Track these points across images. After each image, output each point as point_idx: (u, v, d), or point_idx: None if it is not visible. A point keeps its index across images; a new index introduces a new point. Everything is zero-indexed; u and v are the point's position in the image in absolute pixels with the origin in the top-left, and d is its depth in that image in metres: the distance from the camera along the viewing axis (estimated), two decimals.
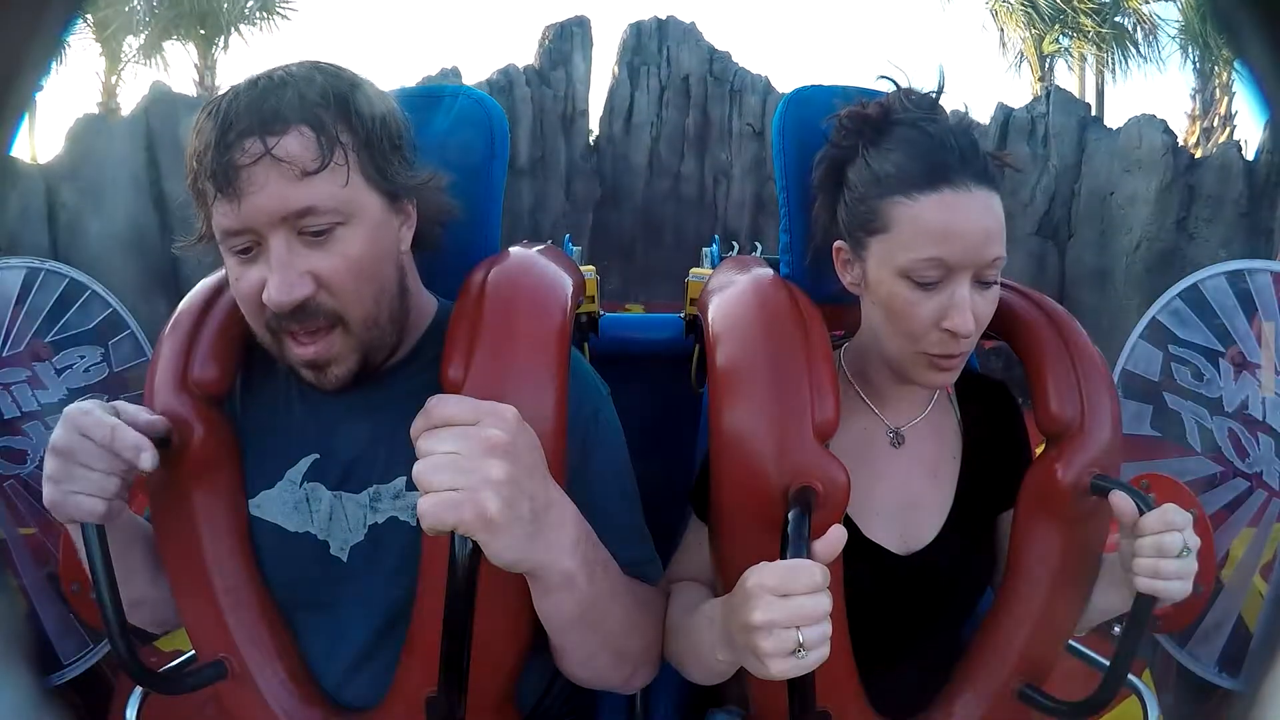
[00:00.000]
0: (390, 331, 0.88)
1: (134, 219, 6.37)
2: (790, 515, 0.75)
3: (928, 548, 0.97)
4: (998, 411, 1.04)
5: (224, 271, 0.95)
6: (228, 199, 0.78)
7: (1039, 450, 1.00)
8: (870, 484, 0.94)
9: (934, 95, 0.93)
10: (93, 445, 0.76)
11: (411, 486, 0.79)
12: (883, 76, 0.96)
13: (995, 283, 0.89)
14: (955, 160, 0.86)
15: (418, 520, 0.68)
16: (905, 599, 0.96)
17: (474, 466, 0.66)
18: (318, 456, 0.91)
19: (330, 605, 0.91)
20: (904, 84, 0.95)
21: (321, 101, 0.80)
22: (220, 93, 0.82)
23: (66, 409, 0.78)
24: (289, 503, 0.91)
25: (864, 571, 0.90)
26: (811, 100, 1.09)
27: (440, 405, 0.69)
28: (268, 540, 0.91)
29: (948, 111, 0.93)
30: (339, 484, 0.90)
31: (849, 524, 0.87)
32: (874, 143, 0.91)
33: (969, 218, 0.85)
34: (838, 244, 0.95)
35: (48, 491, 0.77)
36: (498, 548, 0.68)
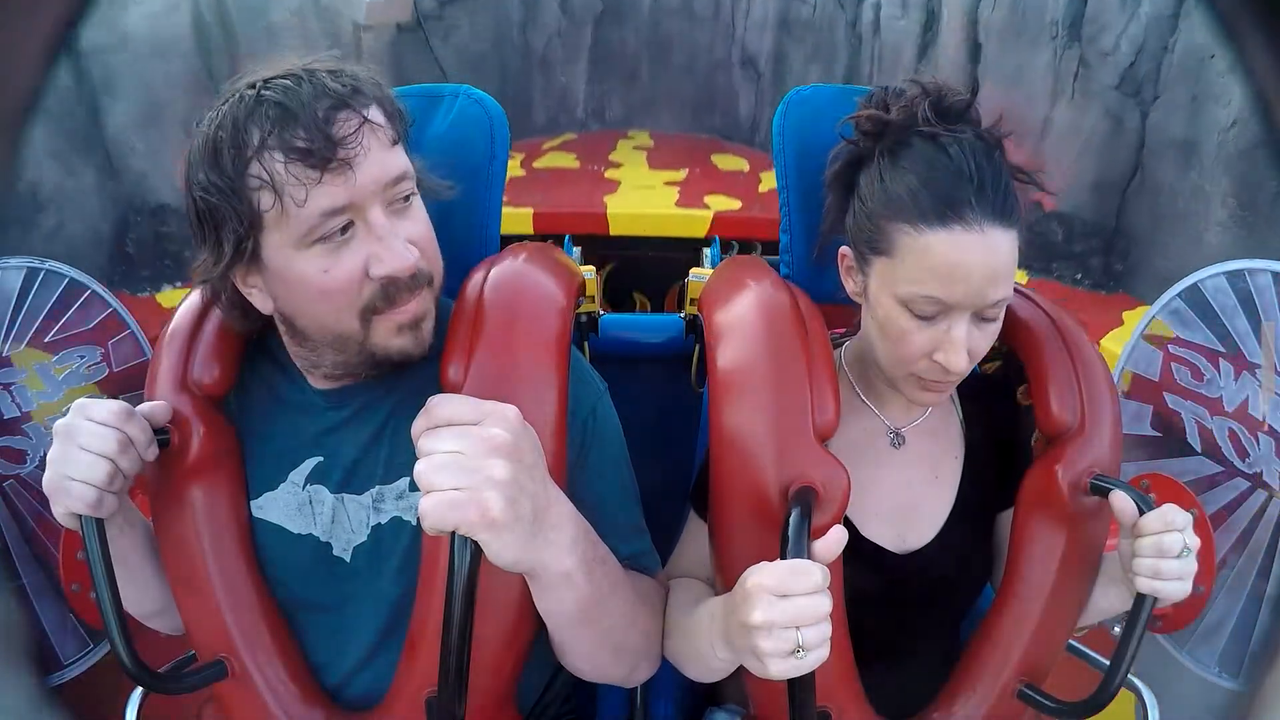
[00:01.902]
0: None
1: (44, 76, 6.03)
2: (790, 515, 0.75)
3: (927, 547, 0.97)
4: (999, 409, 1.04)
5: None
6: (337, 173, 0.75)
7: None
8: (869, 484, 0.94)
9: (963, 104, 0.88)
10: (90, 425, 0.77)
11: (415, 486, 0.79)
12: (912, 81, 0.91)
13: (997, 318, 0.87)
14: (972, 194, 0.81)
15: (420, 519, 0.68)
16: (903, 597, 0.96)
17: (477, 466, 0.66)
18: (321, 459, 0.91)
19: (334, 606, 0.91)
20: (933, 88, 0.88)
21: (377, 84, 0.83)
22: (233, 99, 0.78)
23: (75, 401, 0.80)
24: (292, 505, 0.91)
25: (861, 571, 0.90)
26: (811, 100, 1.09)
27: (442, 405, 0.69)
28: (271, 541, 0.91)
29: (980, 113, 0.88)
30: (341, 486, 0.91)
31: (846, 524, 0.87)
32: (891, 152, 0.87)
33: (975, 261, 0.82)
34: (843, 249, 0.94)
35: (46, 477, 0.78)
36: (498, 547, 0.68)
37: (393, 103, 0.84)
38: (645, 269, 2.50)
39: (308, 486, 0.91)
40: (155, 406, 0.85)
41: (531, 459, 0.71)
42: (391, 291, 0.80)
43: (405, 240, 0.81)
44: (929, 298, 0.83)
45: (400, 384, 0.91)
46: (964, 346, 0.84)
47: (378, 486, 0.90)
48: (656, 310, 2.52)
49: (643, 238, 2.43)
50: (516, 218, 2.37)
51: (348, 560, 0.90)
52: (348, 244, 0.79)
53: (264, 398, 0.95)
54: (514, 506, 0.67)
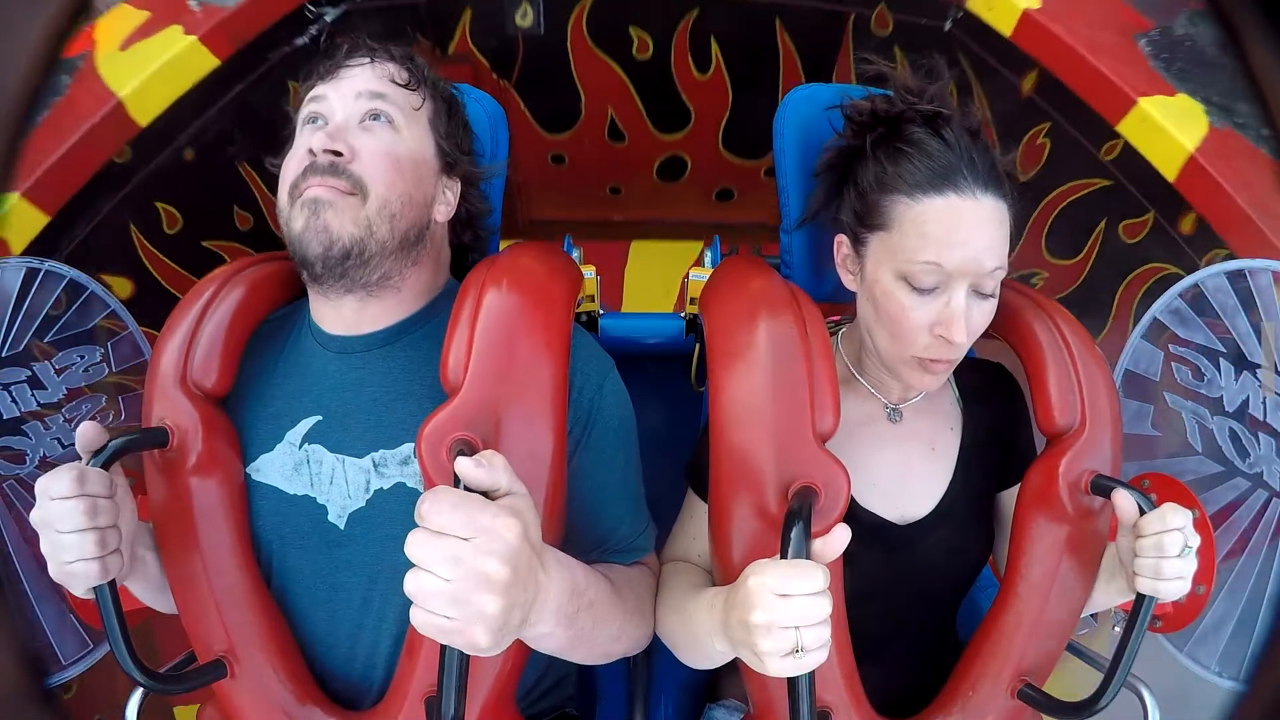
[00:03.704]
0: (395, 247, 0.91)
1: None
2: (790, 515, 0.75)
3: (925, 518, 0.97)
4: (995, 389, 1.05)
5: (222, 275, 0.96)
6: (323, 81, 0.95)
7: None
8: (868, 457, 0.95)
9: (940, 89, 0.91)
10: (56, 505, 0.76)
11: None
12: (889, 65, 0.95)
13: (993, 295, 0.88)
14: (965, 164, 0.85)
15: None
16: (902, 569, 0.97)
17: (468, 599, 0.63)
18: (320, 418, 0.92)
19: (326, 574, 0.91)
20: (915, 82, 0.93)
21: (424, 68, 1.00)
22: None
23: (37, 482, 0.78)
24: (288, 465, 0.92)
25: (860, 542, 0.90)
26: (812, 100, 1.09)
27: (435, 510, 0.64)
28: (266, 504, 0.92)
29: (955, 104, 0.91)
30: (340, 447, 0.91)
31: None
32: (885, 140, 0.91)
33: (972, 226, 0.84)
34: (839, 237, 0.96)
35: (50, 570, 0.78)
36: (487, 652, 0.67)
37: (427, 76, 1.00)
38: None
39: (305, 446, 0.92)
40: (85, 432, 0.81)
41: (527, 567, 0.67)
42: (309, 169, 0.89)
43: (350, 145, 0.89)
44: (929, 264, 0.85)
45: (406, 349, 0.93)
46: (963, 317, 0.85)
47: (381, 451, 0.90)
48: (661, 53, 2.05)
49: None
50: None
51: (341, 528, 0.90)
52: (316, 132, 0.91)
53: (265, 364, 0.97)
54: (501, 633, 0.65)
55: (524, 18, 1.90)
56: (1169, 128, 1.42)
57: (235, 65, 1.52)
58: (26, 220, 1.35)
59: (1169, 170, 1.44)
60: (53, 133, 1.40)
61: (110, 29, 1.52)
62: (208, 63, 1.50)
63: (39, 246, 1.36)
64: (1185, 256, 1.46)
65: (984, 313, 0.88)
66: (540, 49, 1.99)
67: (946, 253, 0.84)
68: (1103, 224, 1.63)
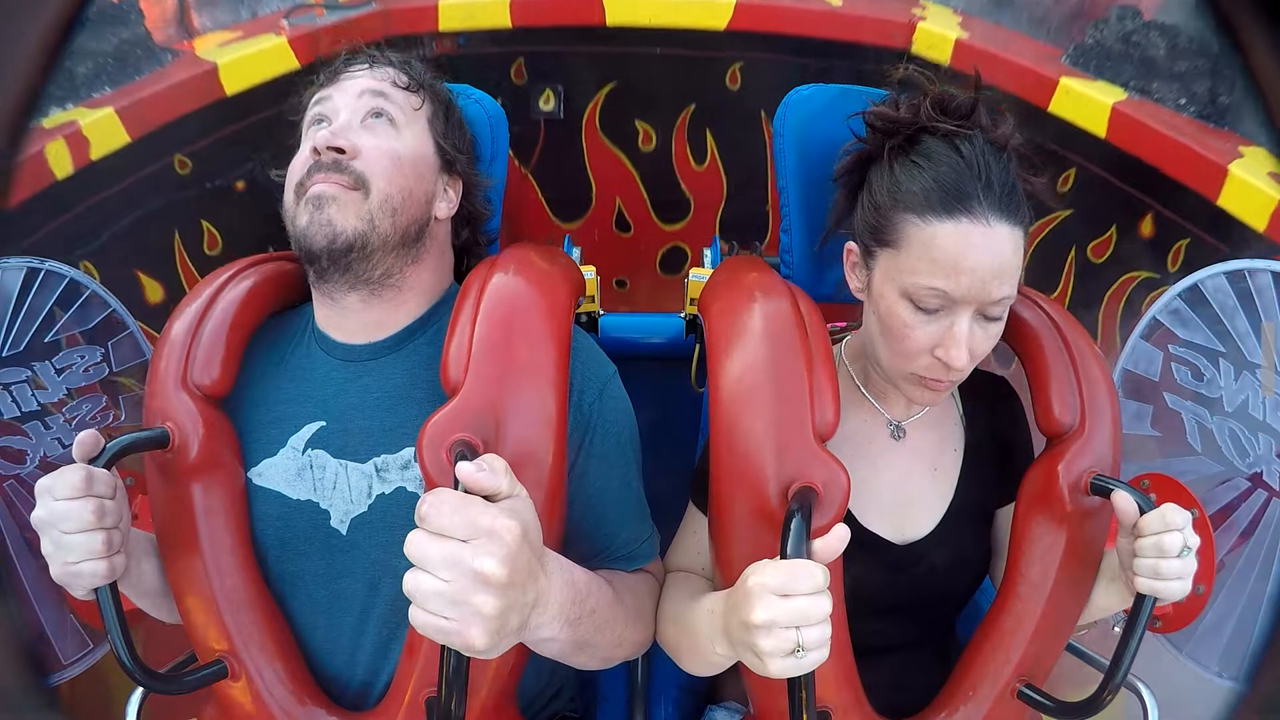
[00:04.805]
0: (397, 242, 0.93)
1: None
2: (790, 515, 0.75)
3: (925, 539, 0.97)
4: (999, 405, 1.04)
5: (223, 275, 0.97)
6: (327, 85, 0.99)
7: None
8: (870, 475, 0.95)
9: (968, 104, 0.88)
10: (62, 506, 0.77)
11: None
12: (918, 73, 0.92)
13: (1000, 319, 0.86)
14: (981, 189, 0.82)
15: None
16: (901, 589, 0.96)
17: (464, 599, 0.63)
18: (323, 424, 0.92)
19: (328, 579, 0.91)
20: (942, 90, 0.89)
21: (421, 71, 1.04)
22: None
23: (38, 482, 0.78)
24: (291, 470, 0.92)
25: (861, 561, 0.90)
26: (811, 100, 1.09)
27: (435, 511, 0.64)
28: (269, 509, 0.92)
29: (988, 117, 0.88)
30: (343, 452, 0.91)
31: (847, 515, 0.87)
32: (902, 150, 0.88)
33: (981, 254, 0.82)
34: (849, 245, 0.94)
35: (54, 573, 0.79)
36: (484, 655, 0.67)
37: (425, 80, 1.03)
38: (649, 90, 2.19)
39: (308, 451, 0.92)
40: (84, 440, 0.81)
41: (526, 569, 0.67)
42: (313, 167, 0.91)
43: (353, 142, 0.92)
44: (933, 289, 0.83)
45: (408, 355, 0.94)
46: (965, 342, 0.84)
47: (382, 455, 0.91)
48: (663, 145, 2.24)
49: (648, 31, 2.04)
50: (486, 7, 2.00)
51: (344, 534, 0.91)
52: (320, 132, 0.94)
53: (267, 366, 0.97)
54: (498, 634, 0.65)
55: (546, 103, 2.17)
56: (1091, 94, 1.63)
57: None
58: (111, 131, 1.52)
59: (1098, 127, 1.61)
60: (150, 82, 1.63)
61: (207, 40, 1.83)
62: (290, 63, 1.72)
63: (115, 166, 1.52)
64: (1152, 256, 1.60)
65: (989, 336, 0.87)
66: (558, 138, 2.17)
67: (953, 279, 0.82)
68: (1072, 252, 1.77)
